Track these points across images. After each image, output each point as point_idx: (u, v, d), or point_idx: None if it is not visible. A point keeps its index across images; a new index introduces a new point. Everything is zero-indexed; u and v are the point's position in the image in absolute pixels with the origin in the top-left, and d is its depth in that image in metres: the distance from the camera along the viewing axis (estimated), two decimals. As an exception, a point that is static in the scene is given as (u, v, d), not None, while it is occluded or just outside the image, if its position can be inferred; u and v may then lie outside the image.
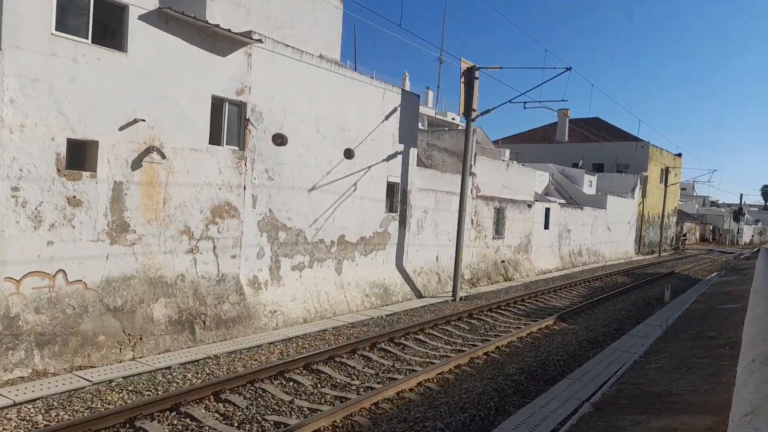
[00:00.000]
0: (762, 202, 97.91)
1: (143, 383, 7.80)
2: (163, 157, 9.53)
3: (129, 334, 8.94)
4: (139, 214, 9.30)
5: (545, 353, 10.68)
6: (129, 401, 7.14)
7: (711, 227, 72.08)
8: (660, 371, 7.11)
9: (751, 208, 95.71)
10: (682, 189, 61.89)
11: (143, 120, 9.12)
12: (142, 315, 9.22)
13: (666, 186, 43.90)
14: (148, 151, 9.28)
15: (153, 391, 7.56)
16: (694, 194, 79.04)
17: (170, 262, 9.84)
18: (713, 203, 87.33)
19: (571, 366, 10.16)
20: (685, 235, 54.90)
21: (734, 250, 56.97)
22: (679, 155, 51.15)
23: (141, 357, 8.88)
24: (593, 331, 13.05)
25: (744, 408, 2.39)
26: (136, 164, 9.16)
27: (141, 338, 9.07)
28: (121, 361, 8.61)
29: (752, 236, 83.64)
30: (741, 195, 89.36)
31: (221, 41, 10.36)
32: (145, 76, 9.18)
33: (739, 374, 3.64)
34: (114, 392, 7.41)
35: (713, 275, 27.43)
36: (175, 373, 8.28)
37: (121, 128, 8.89)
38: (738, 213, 72.27)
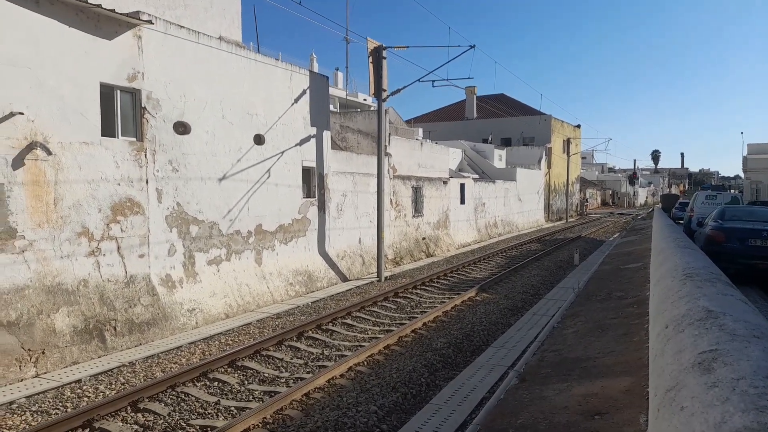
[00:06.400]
0: (653, 165, 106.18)
1: (50, 401, 7.11)
2: (49, 153, 8.63)
3: (29, 350, 8.12)
4: (27, 217, 8.40)
5: (470, 324, 10.95)
6: (34, 423, 6.48)
7: (610, 192, 77.47)
8: (576, 335, 7.43)
9: (644, 172, 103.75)
10: (583, 158, 65.85)
11: (21, 113, 8.17)
12: (42, 327, 8.40)
13: (568, 156, 46.50)
14: (31, 147, 8.36)
15: (61, 408, 6.92)
16: (594, 162, 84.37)
17: (69, 268, 9.02)
18: (611, 169, 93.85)
19: (494, 334, 10.50)
20: (587, 201, 58.60)
21: (632, 211, 61.63)
22: (579, 126, 54.24)
23: (45, 373, 8.10)
24: (512, 299, 13.57)
25: (665, 381, 2.30)
26: (18, 163, 8.23)
27: (44, 352, 8.27)
28: (22, 380, 7.81)
29: (646, 198, 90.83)
30: (635, 161, 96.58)
31: (105, 23, 9.49)
32: (17, 63, 8.20)
33: (654, 342, 3.65)
34: (15, 415, 6.69)
35: (615, 236, 29.44)
36: (85, 387, 7.63)
37: (-3, 123, 7.93)
38: (633, 177, 78.13)
